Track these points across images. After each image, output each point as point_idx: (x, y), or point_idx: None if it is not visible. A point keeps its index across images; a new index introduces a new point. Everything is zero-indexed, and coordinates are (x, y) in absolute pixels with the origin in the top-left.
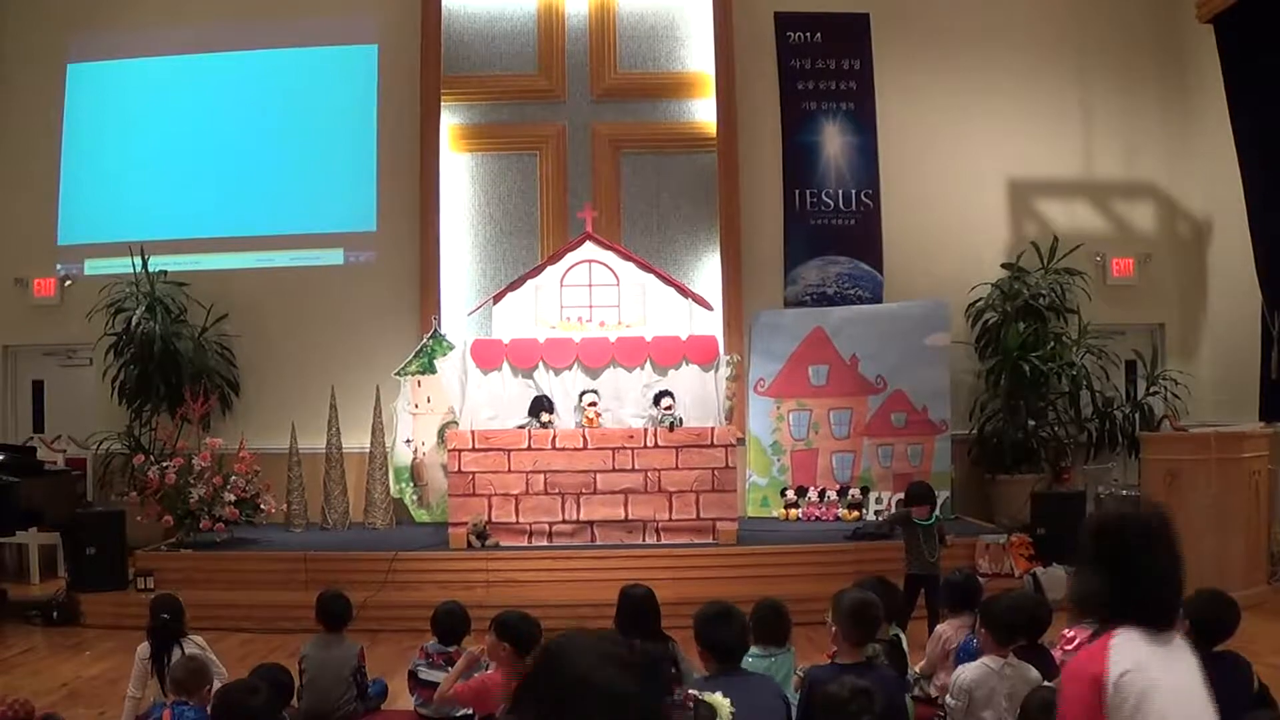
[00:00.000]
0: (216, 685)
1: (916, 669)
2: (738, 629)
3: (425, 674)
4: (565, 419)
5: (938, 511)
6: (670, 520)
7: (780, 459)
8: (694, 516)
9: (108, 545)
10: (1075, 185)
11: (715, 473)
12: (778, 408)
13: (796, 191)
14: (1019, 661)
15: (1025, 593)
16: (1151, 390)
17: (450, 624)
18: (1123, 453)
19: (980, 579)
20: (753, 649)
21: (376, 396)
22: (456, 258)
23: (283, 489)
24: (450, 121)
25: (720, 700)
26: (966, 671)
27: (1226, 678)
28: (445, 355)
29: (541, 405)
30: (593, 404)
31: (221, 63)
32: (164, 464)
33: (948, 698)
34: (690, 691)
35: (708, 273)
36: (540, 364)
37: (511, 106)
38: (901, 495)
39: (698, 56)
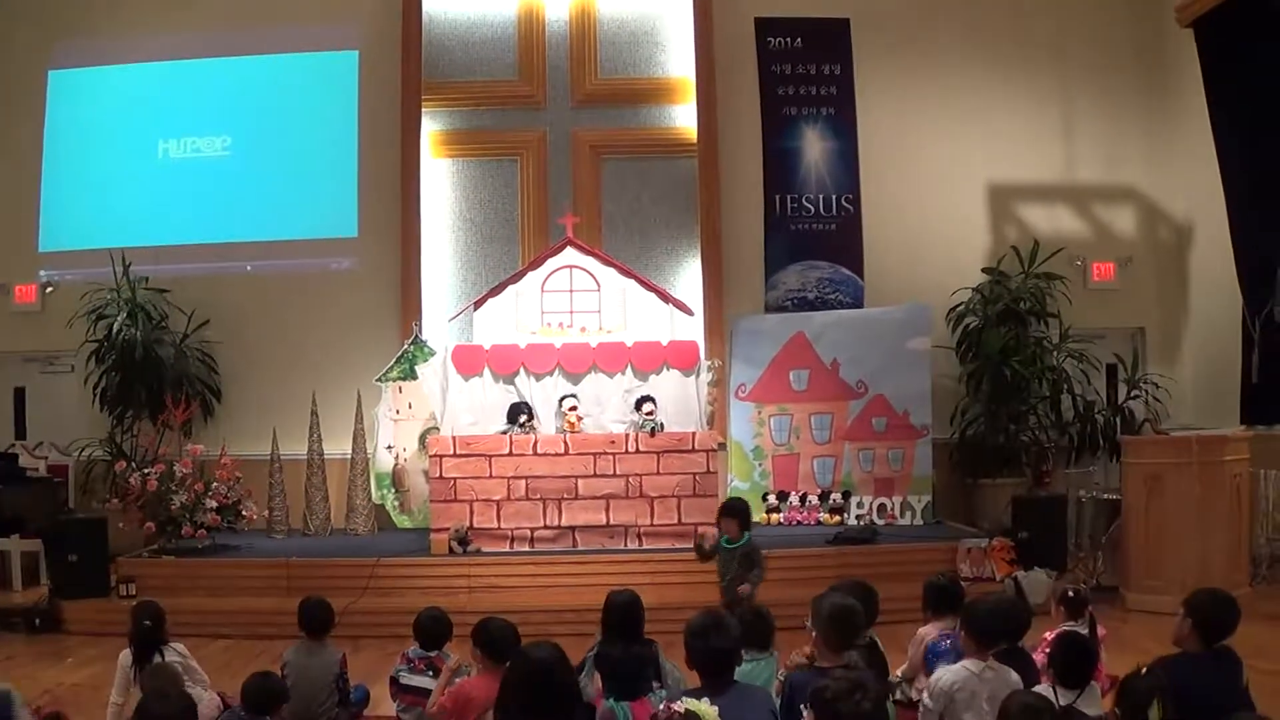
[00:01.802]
0: (200, 691)
1: (898, 673)
2: (729, 640)
3: (407, 679)
4: (546, 424)
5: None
6: (651, 525)
7: (761, 464)
8: (675, 521)
9: (90, 552)
10: (1056, 189)
11: (696, 478)
12: (759, 412)
13: (777, 197)
14: (1000, 665)
15: (1007, 596)
16: (1132, 394)
17: (432, 629)
18: (1104, 457)
19: (962, 582)
20: None
21: (358, 402)
22: (437, 263)
23: (264, 495)
24: (431, 127)
25: (707, 709)
26: (947, 674)
27: (1222, 672)
28: (426, 361)
29: (520, 411)
30: (573, 408)
31: (202, 69)
32: (146, 471)
33: (924, 698)
34: (674, 706)
35: (688, 278)
36: (521, 370)
37: (492, 112)
38: (881, 501)
39: (678, 62)
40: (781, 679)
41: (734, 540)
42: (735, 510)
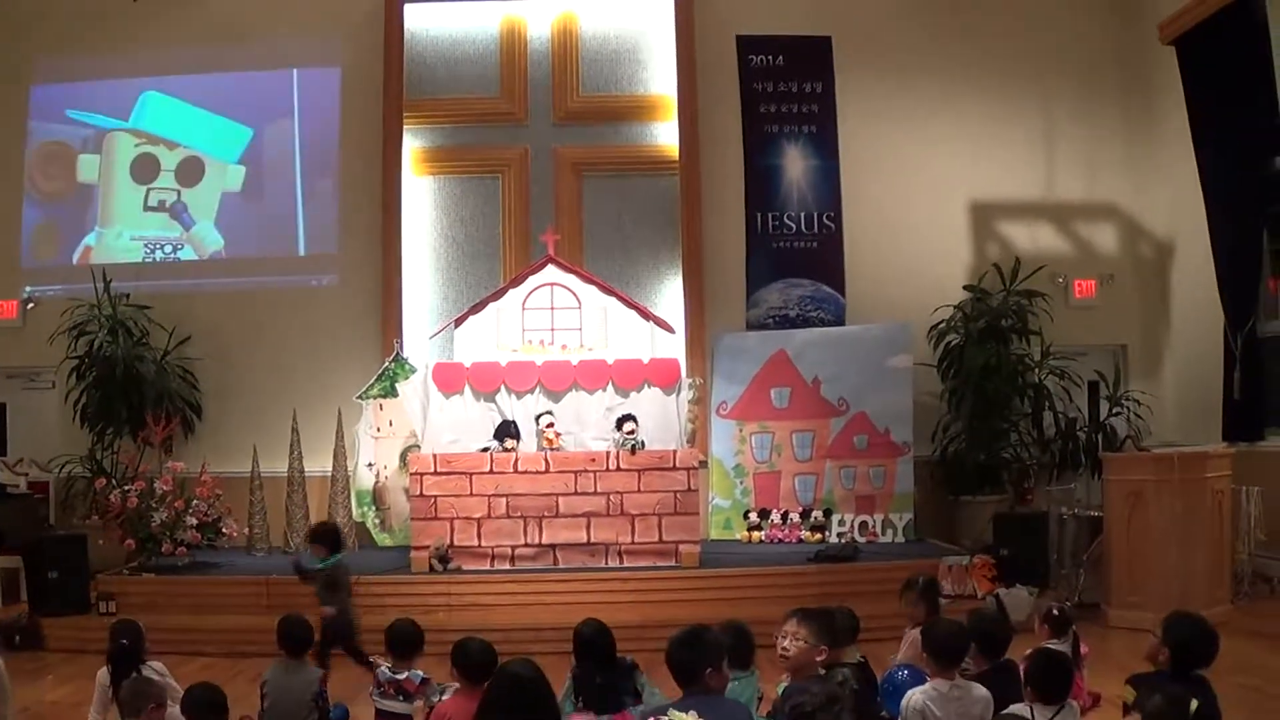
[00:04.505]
0: (172, 708)
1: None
2: (705, 651)
3: (380, 704)
4: (528, 442)
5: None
6: (633, 543)
7: (743, 481)
8: (656, 539)
9: (70, 569)
10: (1037, 207)
11: (677, 495)
12: (740, 430)
13: (758, 214)
14: (966, 683)
15: (984, 613)
16: (1114, 411)
17: (402, 640)
18: (1085, 474)
19: (941, 599)
20: None
21: (338, 420)
22: (418, 281)
23: (245, 513)
24: (412, 144)
25: (689, 718)
26: (916, 695)
27: (1196, 691)
28: (407, 378)
29: (508, 431)
30: (550, 425)
31: (185, 85)
32: (126, 488)
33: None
34: (660, 719)
35: (670, 296)
36: (502, 387)
37: (474, 129)
38: (862, 519)
39: (660, 79)
40: (762, 692)
41: (321, 561)
42: (320, 534)
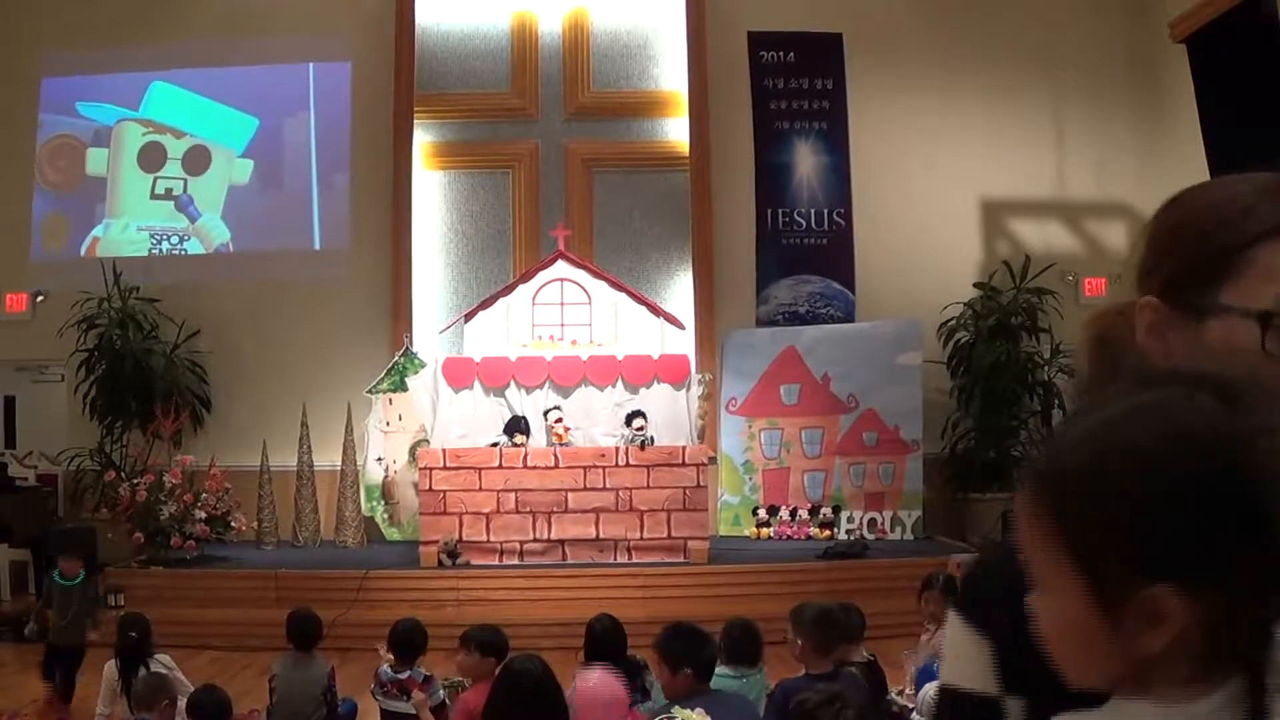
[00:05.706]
0: (181, 702)
1: (894, 693)
2: (700, 645)
3: (383, 703)
4: (538, 438)
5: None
6: (641, 539)
7: (752, 478)
8: (665, 535)
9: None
10: (1048, 205)
11: (686, 491)
12: (749, 426)
13: (769, 211)
14: None
15: None
16: None
17: (406, 640)
18: None
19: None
20: (725, 669)
21: (348, 414)
22: (428, 275)
23: (254, 506)
24: (423, 139)
25: (696, 716)
26: (933, 689)
27: None
28: (417, 373)
29: (517, 426)
30: (559, 420)
31: (194, 77)
32: (135, 481)
33: (914, 715)
34: (664, 717)
35: (680, 292)
36: (512, 382)
37: (484, 124)
38: (871, 516)
39: (671, 76)
40: (770, 692)
41: (71, 579)
42: (74, 546)
